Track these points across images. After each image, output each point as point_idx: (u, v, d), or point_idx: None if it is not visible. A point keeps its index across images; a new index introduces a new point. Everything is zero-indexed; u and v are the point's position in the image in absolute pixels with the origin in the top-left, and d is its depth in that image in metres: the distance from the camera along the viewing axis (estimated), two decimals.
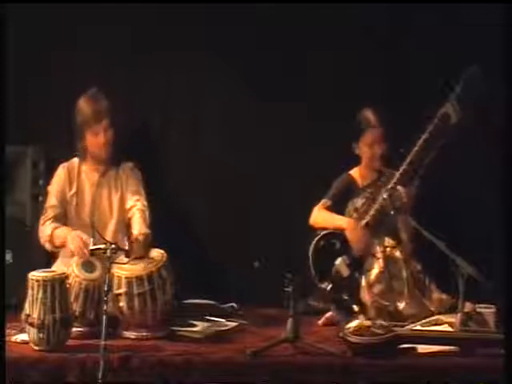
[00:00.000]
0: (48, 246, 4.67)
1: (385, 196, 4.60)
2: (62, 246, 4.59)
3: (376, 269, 4.55)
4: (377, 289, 4.51)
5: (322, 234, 4.70)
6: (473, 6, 4.81)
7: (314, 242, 4.68)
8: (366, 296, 4.50)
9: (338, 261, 4.65)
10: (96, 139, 4.70)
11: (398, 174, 4.61)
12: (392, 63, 5.02)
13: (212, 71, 5.13)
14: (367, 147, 4.78)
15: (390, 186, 4.61)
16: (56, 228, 4.64)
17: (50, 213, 4.71)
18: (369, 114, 4.75)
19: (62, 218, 4.73)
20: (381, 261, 4.55)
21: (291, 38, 5.07)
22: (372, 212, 4.65)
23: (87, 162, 4.80)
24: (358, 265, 4.61)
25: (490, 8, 4.71)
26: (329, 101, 5.03)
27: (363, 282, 4.55)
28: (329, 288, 4.53)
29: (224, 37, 5.09)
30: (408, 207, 4.59)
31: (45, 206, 4.76)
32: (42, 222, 4.71)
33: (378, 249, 4.58)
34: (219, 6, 5.01)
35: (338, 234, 4.69)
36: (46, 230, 4.66)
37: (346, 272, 4.64)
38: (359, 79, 5.02)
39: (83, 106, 4.71)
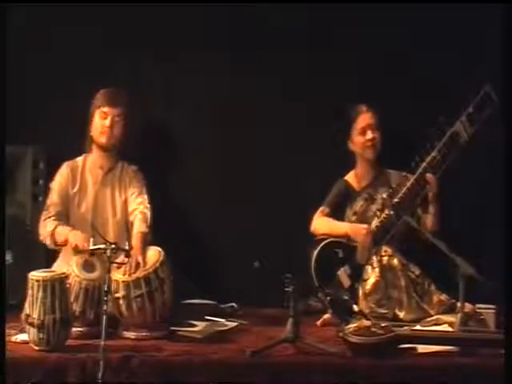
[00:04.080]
0: (49, 242, 4.66)
1: (387, 212, 4.60)
2: (64, 243, 4.59)
3: (372, 278, 4.54)
4: (373, 298, 4.51)
5: (324, 242, 4.70)
6: (473, 6, 4.82)
7: (317, 251, 4.68)
8: (363, 306, 4.50)
9: (340, 271, 4.65)
10: (103, 121, 4.71)
11: (405, 189, 4.61)
12: (393, 64, 5.01)
13: (212, 72, 5.13)
14: (359, 135, 4.77)
15: (395, 201, 4.60)
16: (58, 225, 4.65)
17: (51, 210, 4.72)
18: (358, 105, 4.78)
19: (64, 217, 4.74)
20: (377, 270, 4.54)
21: (292, 38, 5.07)
22: (376, 223, 4.65)
23: (92, 157, 4.80)
24: (359, 275, 4.61)
25: (490, 8, 4.72)
26: (332, 102, 5.02)
27: (360, 292, 4.55)
28: (328, 299, 4.54)
29: (225, 37, 5.09)
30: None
31: (46, 202, 4.77)
32: (43, 218, 4.72)
33: (375, 258, 4.58)
34: (220, 5, 5.02)
35: (341, 243, 4.69)
36: (48, 226, 4.67)
37: (347, 282, 4.65)
38: (361, 80, 5.02)
39: (105, 90, 4.77)
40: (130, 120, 4.79)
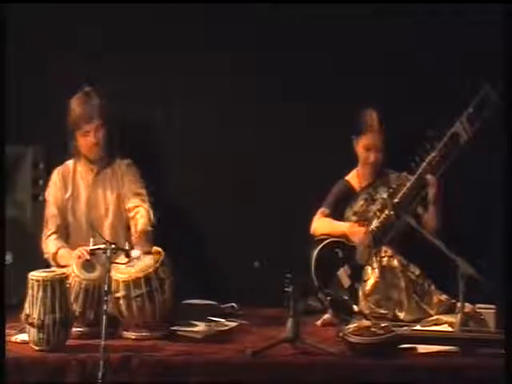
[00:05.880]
0: (52, 263, 4.64)
1: (387, 212, 4.60)
2: (67, 265, 4.57)
3: (372, 279, 4.54)
4: (373, 299, 4.50)
5: (324, 242, 4.70)
6: (473, 6, 4.82)
7: (316, 251, 4.68)
8: (362, 306, 4.50)
9: (340, 271, 4.66)
10: (86, 140, 4.66)
11: (405, 189, 4.61)
12: (394, 64, 5.01)
13: (212, 72, 5.13)
14: (363, 149, 4.78)
15: (395, 201, 4.59)
16: (60, 248, 4.64)
17: (51, 226, 4.71)
18: (373, 116, 4.73)
19: (64, 228, 4.73)
20: (377, 270, 4.54)
21: (292, 39, 5.07)
22: (376, 224, 4.65)
23: (81, 162, 4.78)
24: (359, 275, 4.61)
25: (491, 7, 4.72)
26: (331, 102, 5.02)
27: (360, 292, 4.55)
28: (328, 299, 4.55)
29: (225, 36, 5.09)
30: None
31: (45, 215, 4.75)
32: (44, 236, 4.72)
33: (375, 259, 4.58)
34: (220, 5, 5.02)
35: (340, 243, 4.69)
36: (50, 246, 4.67)
37: (346, 282, 4.65)
38: (361, 81, 5.02)
39: (74, 105, 4.67)
40: (110, 118, 4.69)
